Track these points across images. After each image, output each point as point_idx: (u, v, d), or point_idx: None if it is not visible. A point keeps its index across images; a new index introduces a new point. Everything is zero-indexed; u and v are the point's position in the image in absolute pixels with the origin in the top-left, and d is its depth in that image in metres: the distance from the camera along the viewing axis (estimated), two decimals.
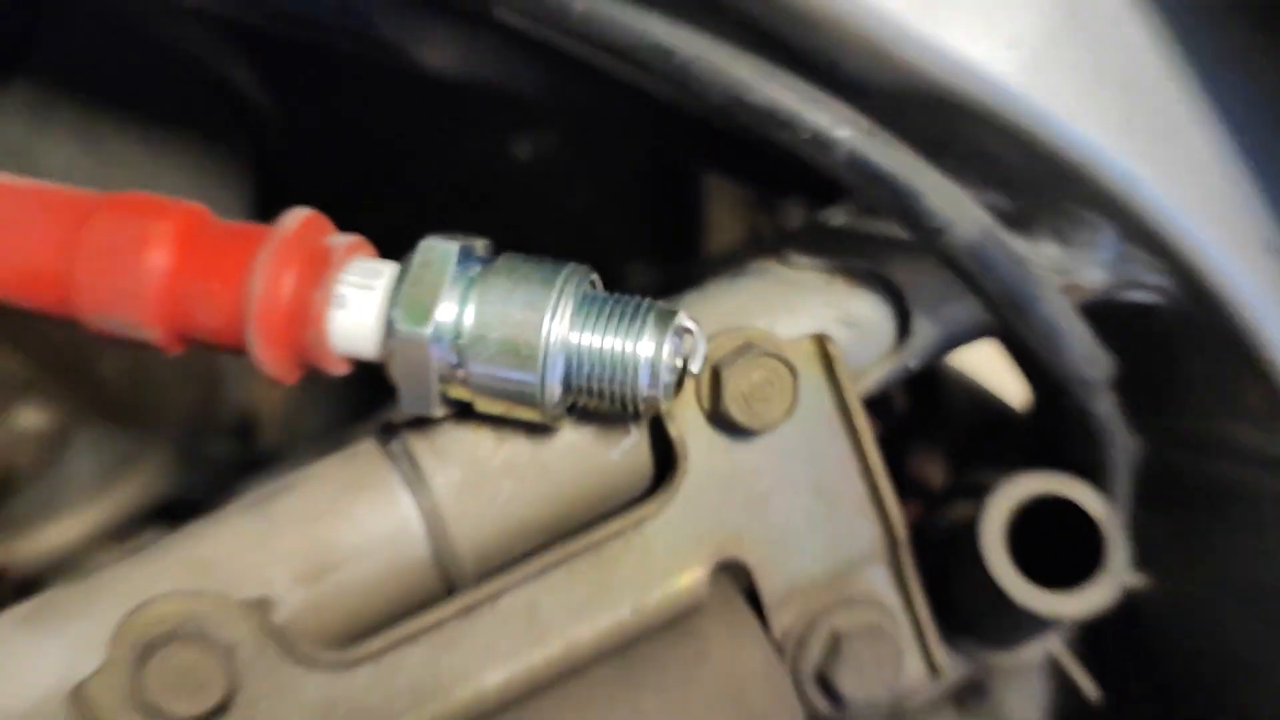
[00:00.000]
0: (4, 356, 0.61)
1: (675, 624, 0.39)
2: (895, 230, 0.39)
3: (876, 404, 0.46)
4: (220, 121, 0.64)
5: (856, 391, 0.40)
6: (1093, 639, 0.58)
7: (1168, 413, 0.43)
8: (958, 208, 0.35)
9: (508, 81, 0.48)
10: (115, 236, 0.36)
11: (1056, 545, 0.42)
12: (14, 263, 0.38)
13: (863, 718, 0.46)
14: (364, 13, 0.46)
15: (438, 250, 0.35)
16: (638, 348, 0.34)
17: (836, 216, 0.44)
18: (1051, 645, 0.48)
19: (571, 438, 0.38)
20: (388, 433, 0.39)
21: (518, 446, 0.38)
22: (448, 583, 0.38)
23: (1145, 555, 0.46)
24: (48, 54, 0.57)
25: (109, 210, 0.37)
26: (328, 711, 0.36)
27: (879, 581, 0.42)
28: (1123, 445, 0.41)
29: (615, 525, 0.38)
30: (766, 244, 0.45)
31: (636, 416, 0.36)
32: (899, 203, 0.35)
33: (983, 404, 0.56)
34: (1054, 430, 0.47)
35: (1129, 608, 0.46)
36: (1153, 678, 0.54)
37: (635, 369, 0.34)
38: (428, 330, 0.34)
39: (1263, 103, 0.35)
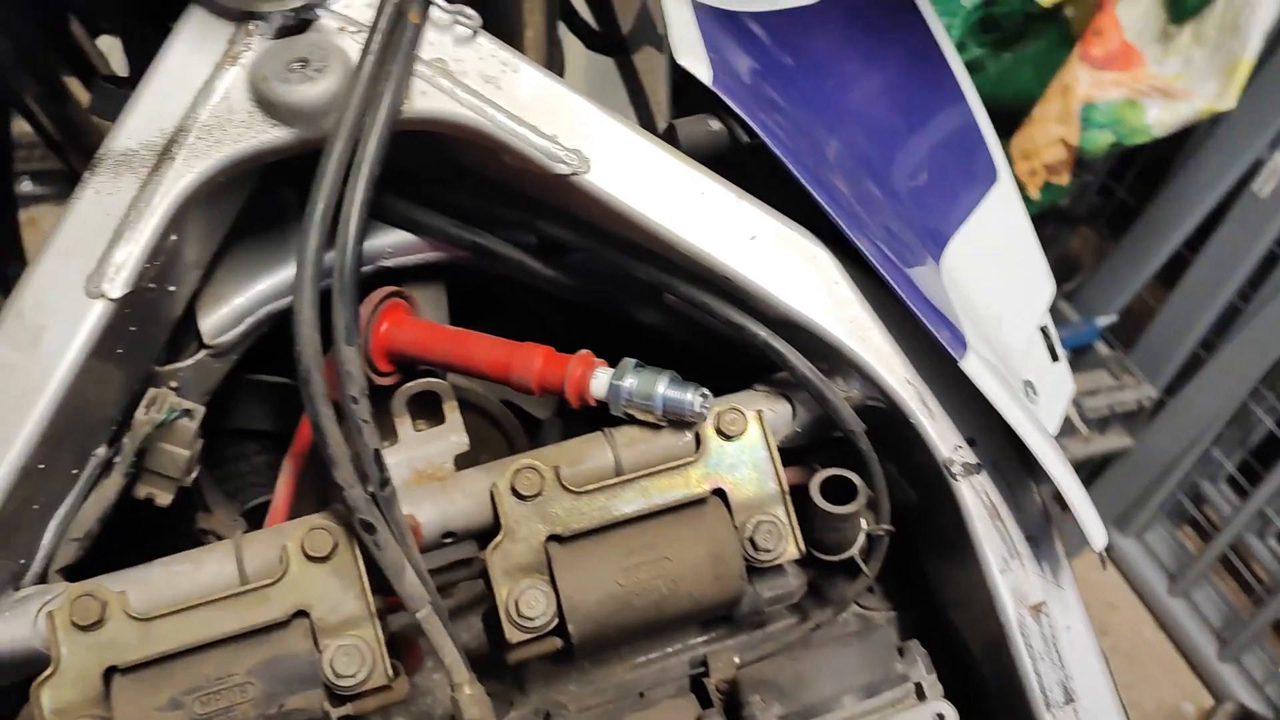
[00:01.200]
0: None
1: (695, 505, 1.06)
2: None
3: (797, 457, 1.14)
4: None
5: (771, 433, 1.08)
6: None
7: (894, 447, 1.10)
8: (803, 364, 1.06)
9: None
10: (528, 357, 1.10)
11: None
12: (487, 361, 1.11)
13: (773, 592, 1.10)
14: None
15: (627, 362, 1.07)
16: (688, 394, 1.04)
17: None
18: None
19: (670, 434, 1.08)
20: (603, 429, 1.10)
21: (652, 433, 1.08)
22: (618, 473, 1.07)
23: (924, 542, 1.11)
24: None
25: (525, 346, 1.10)
26: (570, 516, 1.04)
27: (778, 510, 1.08)
28: (872, 458, 1.07)
29: (682, 462, 1.06)
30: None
31: (688, 425, 1.06)
32: (781, 361, 1.06)
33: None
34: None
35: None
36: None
37: (690, 401, 1.04)
38: (621, 384, 1.06)
39: None
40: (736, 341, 1.08)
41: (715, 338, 1.12)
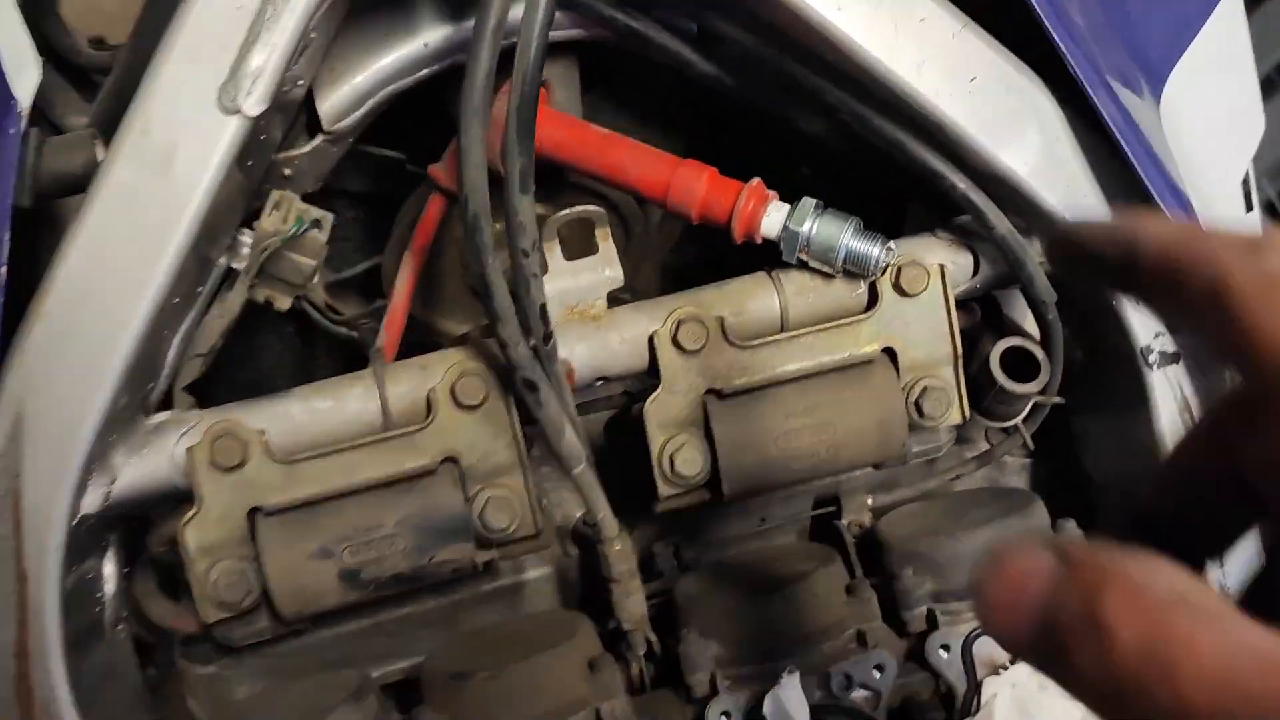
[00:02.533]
0: None
1: (862, 366, 0.99)
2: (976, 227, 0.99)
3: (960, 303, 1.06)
4: None
5: (951, 290, 1.00)
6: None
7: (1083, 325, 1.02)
8: (1003, 225, 0.95)
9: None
10: (689, 179, 0.98)
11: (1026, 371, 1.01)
12: (641, 179, 0.99)
13: (924, 446, 1.05)
14: None
15: (807, 202, 0.96)
16: (874, 248, 0.94)
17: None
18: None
19: (842, 284, 0.99)
20: (767, 269, 1.01)
21: (825, 283, 0.99)
22: (784, 326, 0.99)
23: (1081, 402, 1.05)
24: None
25: (686, 165, 0.98)
26: (731, 370, 0.97)
27: (947, 373, 1.01)
28: (1058, 331, 1.00)
29: (852, 319, 0.98)
30: (926, 222, 1.04)
31: (866, 277, 0.97)
32: (979, 218, 0.95)
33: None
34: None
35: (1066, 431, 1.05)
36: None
37: (876, 258, 0.94)
38: (799, 230, 0.95)
39: None
40: (915, 172, 0.96)
41: (882, 156, 0.99)
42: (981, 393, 1.03)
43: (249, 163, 0.88)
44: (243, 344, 1.22)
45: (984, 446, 1.15)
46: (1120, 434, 1.03)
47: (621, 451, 1.05)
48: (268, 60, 0.80)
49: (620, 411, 1.09)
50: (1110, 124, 0.87)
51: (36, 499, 0.84)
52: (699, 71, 1.00)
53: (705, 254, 1.29)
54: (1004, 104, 0.91)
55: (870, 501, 1.13)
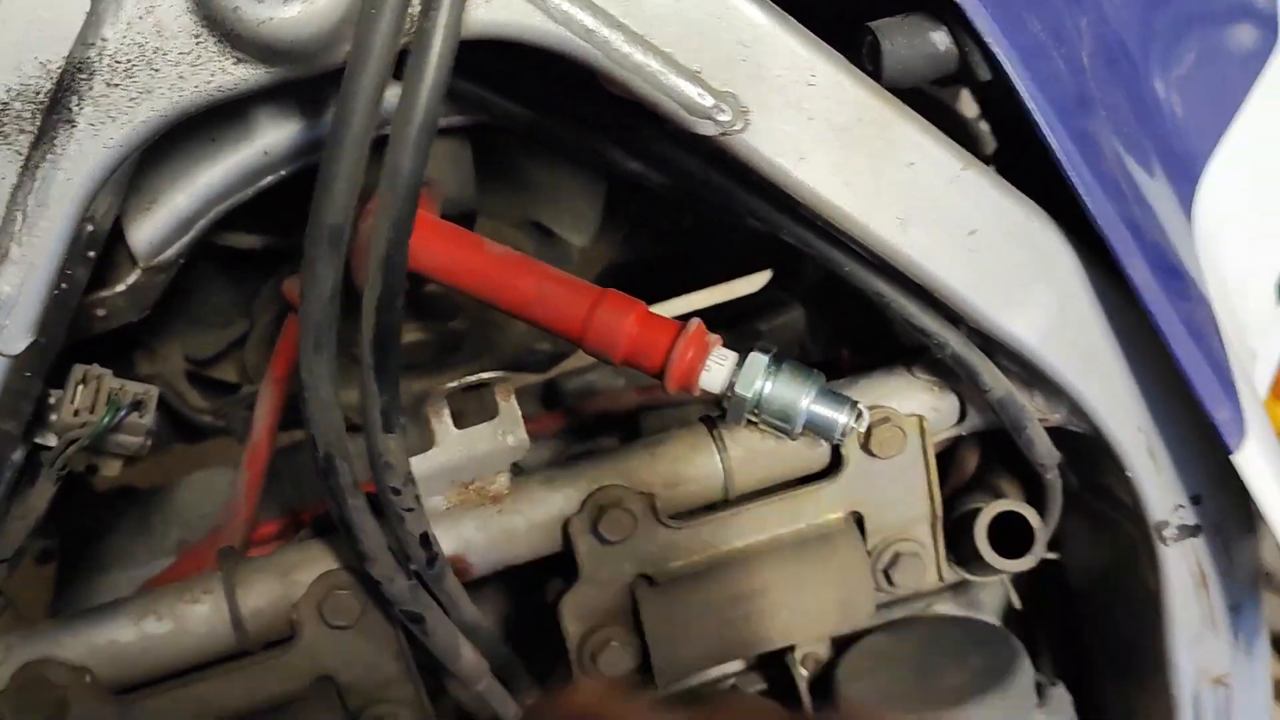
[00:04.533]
0: None
1: (825, 537, 0.83)
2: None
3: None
4: None
5: (932, 443, 0.82)
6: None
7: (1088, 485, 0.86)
8: (1001, 386, 0.77)
9: None
10: (613, 316, 0.78)
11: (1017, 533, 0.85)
12: (552, 316, 0.79)
13: (903, 597, 0.90)
14: None
15: (758, 359, 0.77)
16: (840, 415, 0.76)
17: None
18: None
19: (798, 444, 0.81)
20: (708, 422, 0.82)
21: (776, 443, 0.81)
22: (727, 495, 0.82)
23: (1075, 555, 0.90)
24: None
25: (609, 301, 0.78)
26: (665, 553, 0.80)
27: (922, 533, 0.85)
28: (1057, 493, 0.83)
29: (812, 486, 0.81)
30: (900, 359, 0.86)
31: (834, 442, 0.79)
32: (974, 380, 0.77)
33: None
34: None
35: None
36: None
37: (842, 425, 0.76)
38: (748, 394, 0.76)
39: None
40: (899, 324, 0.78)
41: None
42: (964, 551, 0.87)
43: (27, 374, 0.66)
44: None
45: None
46: (1124, 589, 0.89)
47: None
48: (23, 285, 0.58)
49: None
50: (1142, 298, 0.68)
51: None
52: (625, 170, 0.79)
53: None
54: (1010, 259, 0.71)
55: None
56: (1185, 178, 0.81)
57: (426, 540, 0.70)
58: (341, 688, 0.77)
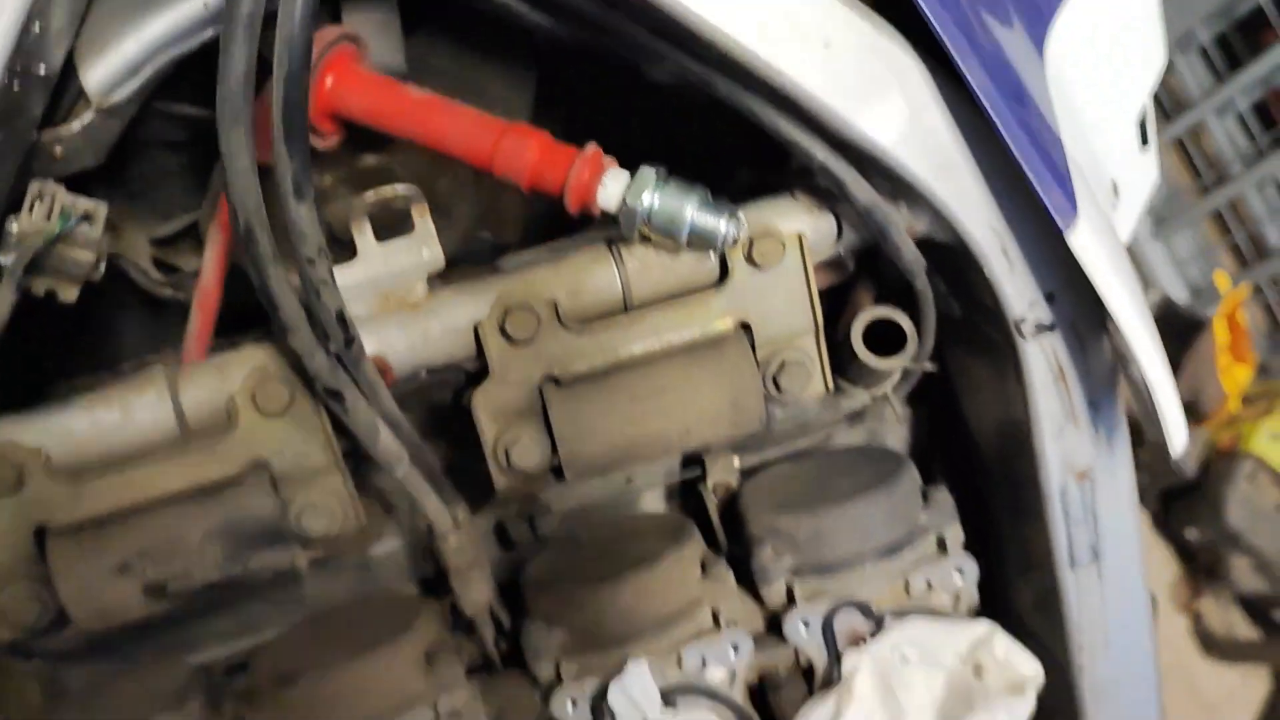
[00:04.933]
0: None
1: (716, 343, 0.91)
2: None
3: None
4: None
5: (810, 257, 0.90)
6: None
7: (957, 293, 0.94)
8: (866, 194, 0.85)
9: None
10: (517, 144, 0.86)
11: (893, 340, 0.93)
12: (464, 146, 0.87)
13: (790, 412, 0.98)
14: None
15: (646, 172, 0.85)
16: (721, 222, 0.84)
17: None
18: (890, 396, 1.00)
19: (691, 256, 0.89)
20: (607, 241, 0.90)
21: (670, 258, 0.89)
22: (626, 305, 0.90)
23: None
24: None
25: (514, 131, 0.86)
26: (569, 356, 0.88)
27: (808, 345, 0.93)
28: (927, 299, 0.91)
29: (702, 293, 0.89)
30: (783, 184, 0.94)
31: (718, 252, 0.87)
32: (840, 188, 0.85)
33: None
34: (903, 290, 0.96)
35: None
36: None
37: (723, 233, 0.84)
38: (639, 206, 0.85)
39: None
40: (771, 139, 0.86)
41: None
42: (846, 363, 0.95)
43: None
44: (96, 321, 1.12)
45: (862, 397, 1.08)
46: (997, 393, 0.97)
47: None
48: None
49: (465, 383, 1.01)
50: (980, 97, 0.76)
51: None
52: (529, 22, 0.87)
53: None
54: (864, 70, 0.79)
55: (737, 463, 1.07)
56: (1038, 22, 0.90)
57: (343, 320, 0.78)
58: (275, 476, 0.85)
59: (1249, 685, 3.19)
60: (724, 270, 0.90)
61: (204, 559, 0.84)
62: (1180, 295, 3.30)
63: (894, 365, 0.92)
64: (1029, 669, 0.91)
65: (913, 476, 0.98)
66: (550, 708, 0.92)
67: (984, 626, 0.93)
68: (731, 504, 1.04)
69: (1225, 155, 3.27)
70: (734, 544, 1.03)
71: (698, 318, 0.90)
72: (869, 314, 0.92)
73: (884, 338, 0.94)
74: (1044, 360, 0.89)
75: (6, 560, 0.82)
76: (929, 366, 0.96)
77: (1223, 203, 3.22)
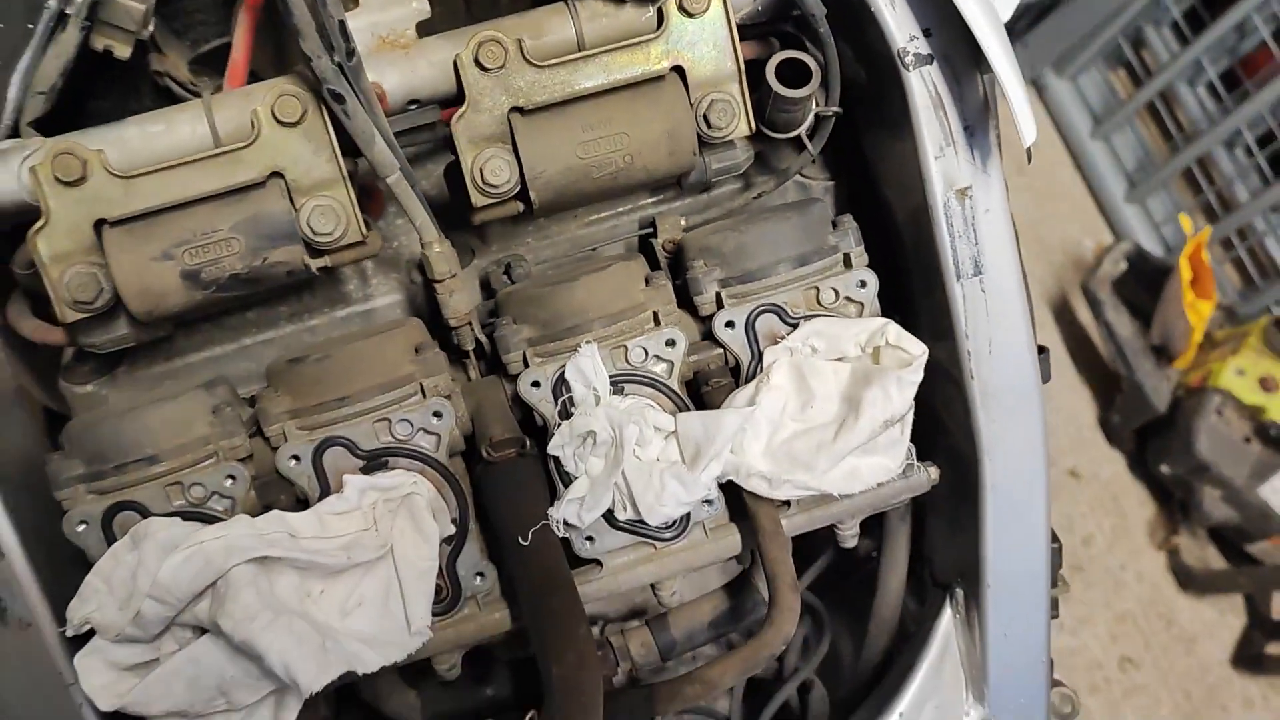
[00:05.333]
0: None
1: (653, 82, 1.09)
2: None
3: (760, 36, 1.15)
4: None
5: (731, 11, 1.09)
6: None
7: (849, 34, 1.13)
8: None
9: None
10: None
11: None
12: None
13: (721, 159, 1.17)
14: None
15: None
16: None
17: None
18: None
19: (633, 9, 1.08)
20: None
21: (615, 7, 1.08)
22: (580, 48, 1.09)
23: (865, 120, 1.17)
24: None
25: None
26: (532, 89, 1.07)
27: (733, 90, 1.11)
28: (829, 42, 1.10)
29: (643, 38, 1.08)
30: None
31: (653, 3, 1.06)
32: None
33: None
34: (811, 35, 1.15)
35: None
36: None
37: None
38: None
39: None
40: None
41: None
42: (764, 104, 1.14)
43: None
44: None
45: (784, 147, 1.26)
46: (895, 142, 1.15)
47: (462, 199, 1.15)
48: None
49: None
50: None
51: None
52: None
53: None
54: None
55: (684, 222, 1.25)
56: None
57: (344, 30, 0.97)
58: (290, 183, 1.04)
59: (1225, 619, 3.35)
60: (660, 20, 1.09)
61: (230, 250, 1.02)
62: (1155, 252, 3.49)
63: (803, 94, 1.10)
64: (917, 348, 1.09)
65: (824, 207, 1.16)
66: (518, 388, 1.10)
67: (880, 321, 1.11)
68: (677, 254, 1.22)
69: (1195, 117, 3.49)
70: (676, 280, 1.21)
71: (639, 60, 1.09)
72: (780, 55, 1.11)
73: (796, 83, 1.12)
74: (924, 88, 1.07)
75: (71, 247, 1.00)
76: (836, 109, 1.14)
77: (1192, 160, 3.43)
